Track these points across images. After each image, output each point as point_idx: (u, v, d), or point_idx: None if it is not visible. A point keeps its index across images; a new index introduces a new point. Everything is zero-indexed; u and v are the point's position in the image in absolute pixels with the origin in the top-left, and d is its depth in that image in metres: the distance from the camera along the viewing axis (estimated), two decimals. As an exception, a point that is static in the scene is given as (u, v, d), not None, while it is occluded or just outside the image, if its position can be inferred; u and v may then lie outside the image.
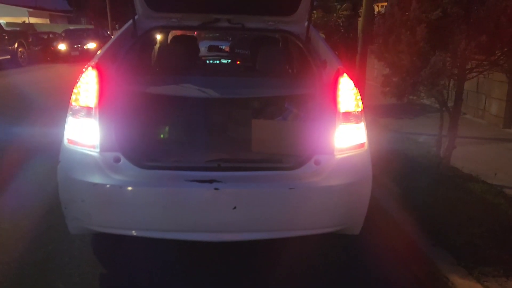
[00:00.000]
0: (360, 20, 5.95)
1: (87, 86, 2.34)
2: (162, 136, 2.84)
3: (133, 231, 2.38)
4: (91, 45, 20.00)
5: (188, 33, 5.52)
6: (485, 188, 3.53)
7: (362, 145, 2.45)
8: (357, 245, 2.91)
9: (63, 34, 21.20)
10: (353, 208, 2.45)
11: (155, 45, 3.93)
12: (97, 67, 2.39)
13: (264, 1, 3.01)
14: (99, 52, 2.66)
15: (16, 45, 15.93)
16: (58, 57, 18.93)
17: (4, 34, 15.56)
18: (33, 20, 37.02)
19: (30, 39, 17.95)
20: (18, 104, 8.31)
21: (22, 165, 4.32)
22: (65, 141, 2.38)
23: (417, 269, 2.67)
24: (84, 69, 2.40)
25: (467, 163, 4.11)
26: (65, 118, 2.39)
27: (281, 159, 2.52)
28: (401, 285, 2.59)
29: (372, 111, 6.33)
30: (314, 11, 8.44)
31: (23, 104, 8.31)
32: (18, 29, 19.43)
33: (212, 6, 2.97)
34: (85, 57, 19.50)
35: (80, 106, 2.33)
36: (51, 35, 21.84)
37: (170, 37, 4.48)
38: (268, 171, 2.38)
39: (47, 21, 41.33)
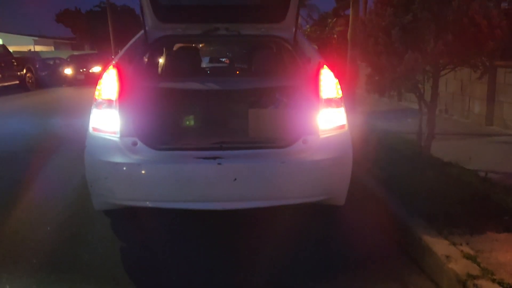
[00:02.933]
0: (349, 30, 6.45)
1: (108, 82, 2.79)
2: (172, 124, 3.27)
3: (149, 203, 2.79)
4: (96, 69, 20.45)
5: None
6: (460, 171, 3.92)
7: (342, 126, 2.88)
8: (346, 216, 3.30)
9: (68, 59, 21.86)
10: (336, 180, 2.86)
11: (163, 54, 4.41)
12: (116, 66, 2.85)
13: (257, 10, 3.51)
14: (118, 54, 3.13)
15: (24, 70, 16.54)
16: (64, 81, 19.47)
17: (13, 60, 16.21)
18: (38, 48, 38.08)
19: (37, 65, 18.62)
20: (32, 120, 8.86)
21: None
22: (90, 129, 2.82)
23: (395, 234, 3.06)
24: (105, 69, 2.86)
25: (448, 154, 4.50)
26: (87, 115, 2.84)
27: (274, 140, 2.95)
28: (382, 246, 2.97)
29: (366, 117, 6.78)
30: (308, 26, 9.00)
31: (37, 120, 8.85)
32: (26, 55, 20.09)
33: (212, 17, 3.47)
34: (91, 80, 19.95)
35: (102, 99, 2.79)
36: (57, 61, 22.56)
37: (175, 48, 4.97)
38: (263, 149, 2.81)
39: (51, 48, 42.53)
